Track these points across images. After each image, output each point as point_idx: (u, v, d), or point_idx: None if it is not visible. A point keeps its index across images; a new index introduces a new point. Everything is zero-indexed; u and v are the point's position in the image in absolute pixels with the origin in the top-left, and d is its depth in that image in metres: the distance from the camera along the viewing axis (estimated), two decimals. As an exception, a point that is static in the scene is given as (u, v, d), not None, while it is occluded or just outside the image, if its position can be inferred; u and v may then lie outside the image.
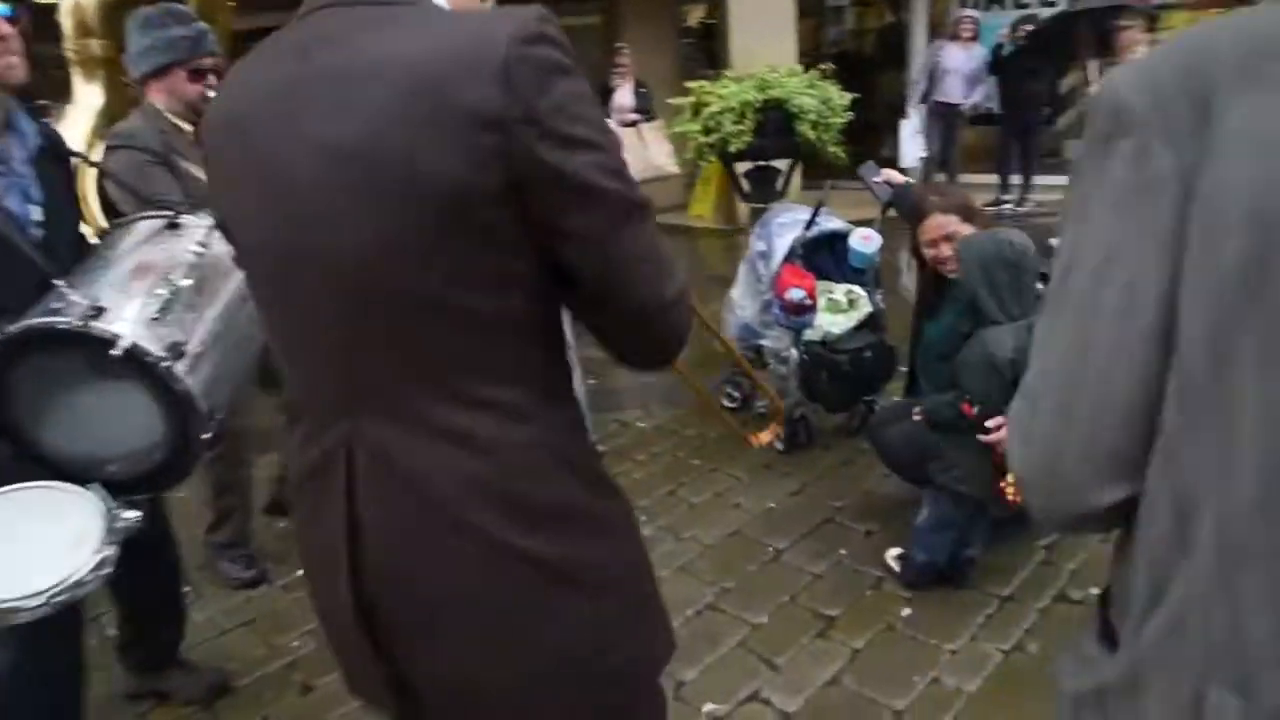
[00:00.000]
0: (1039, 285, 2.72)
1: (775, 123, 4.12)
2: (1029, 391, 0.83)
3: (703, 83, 4.35)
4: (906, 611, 2.77)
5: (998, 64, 7.47)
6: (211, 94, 2.52)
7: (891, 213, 3.57)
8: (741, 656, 2.61)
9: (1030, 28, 7.40)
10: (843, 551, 3.12)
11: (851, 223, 3.86)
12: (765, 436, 3.19)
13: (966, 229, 2.73)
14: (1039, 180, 7.79)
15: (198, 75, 2.56)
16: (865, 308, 3.78)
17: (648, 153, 7.01)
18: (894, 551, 2.97)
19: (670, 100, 4.50)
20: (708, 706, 2.41)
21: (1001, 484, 2.63)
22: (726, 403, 4.32)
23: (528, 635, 1.02)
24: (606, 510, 1.09)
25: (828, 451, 3.88)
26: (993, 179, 8.22)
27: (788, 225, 3.76)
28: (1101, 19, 6.17)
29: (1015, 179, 7.99)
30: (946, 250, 2.74)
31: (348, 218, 0.92)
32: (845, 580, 2.96)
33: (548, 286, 0.98)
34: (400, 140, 0.89)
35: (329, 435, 1.02)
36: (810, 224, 3.71)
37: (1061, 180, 5.99)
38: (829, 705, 2.40)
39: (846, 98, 4.22)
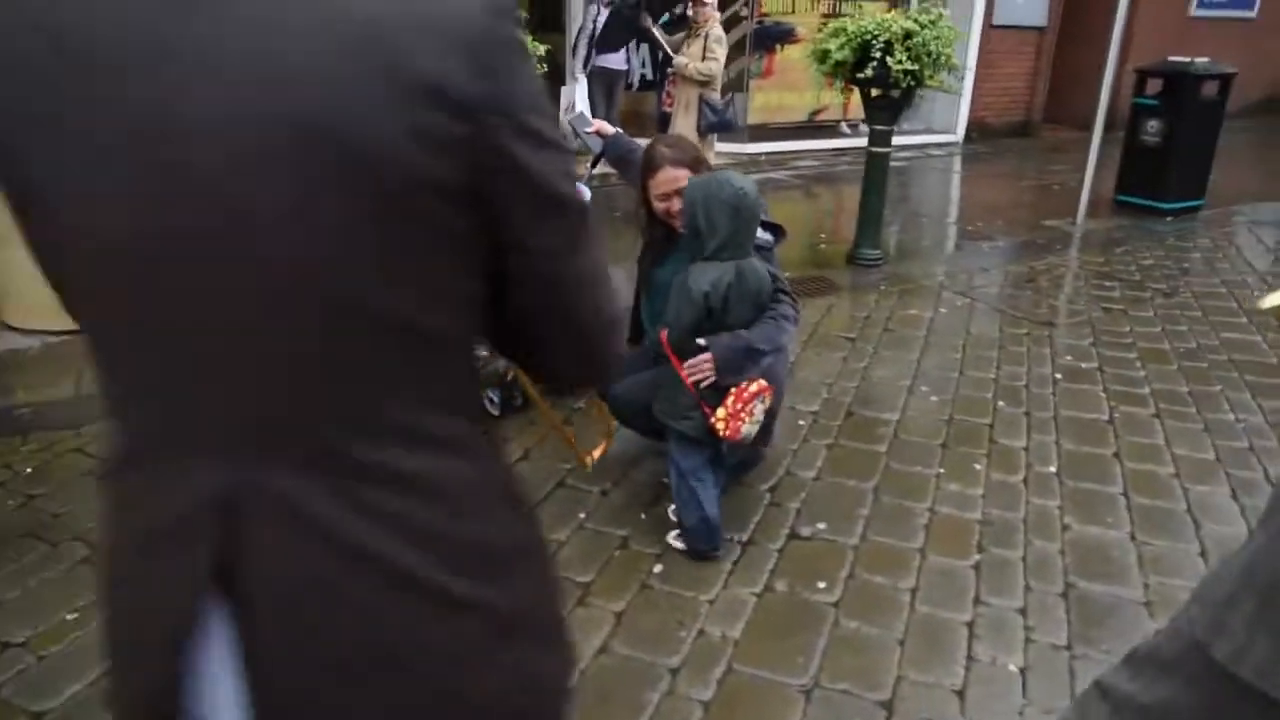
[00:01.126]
0: (761, 234, 2.80)
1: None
2: None
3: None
4: (658, 568, 2.74)
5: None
6: None
7: (603, 164, 3.51)
8: (502, 639, 2.42)
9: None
10: (582, 515, 3.02)
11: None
12: (597, 453, 3.06)
13: None
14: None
15: None
16: (578, 264, 3.68)
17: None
18: (671, 534, 2.85)
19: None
20: (478, 699, 2.20)
21: (711, 420, 2.67)
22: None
23: (465, 693, 0.84)
24: (533, 540, 0.94)
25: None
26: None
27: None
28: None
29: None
30: (679, 204, 2.71)
31: (267, 204, 0.68)
32: (591, 544, 2.87)
33: (481, 300, 0.81)
34: (337, 107, 0.66)
35: (187, 489, 0.75)
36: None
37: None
38: (605, 674, 2.30)
39: (540, 48, 4.05)
